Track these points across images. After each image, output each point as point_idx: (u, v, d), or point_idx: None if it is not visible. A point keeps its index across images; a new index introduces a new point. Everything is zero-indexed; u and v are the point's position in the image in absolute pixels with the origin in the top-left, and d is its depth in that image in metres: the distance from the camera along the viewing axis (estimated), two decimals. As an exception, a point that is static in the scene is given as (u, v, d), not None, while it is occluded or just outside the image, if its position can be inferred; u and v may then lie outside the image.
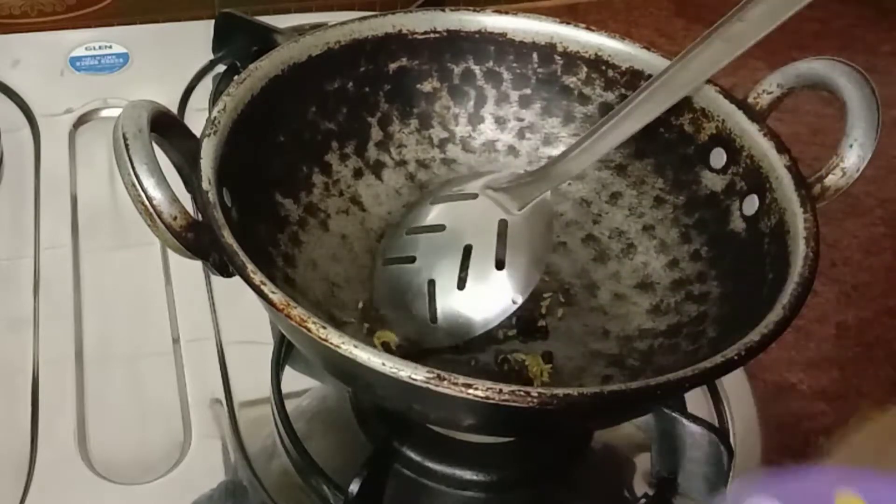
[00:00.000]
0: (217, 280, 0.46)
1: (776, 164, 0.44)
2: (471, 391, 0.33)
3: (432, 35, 0.51)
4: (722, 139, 0.47)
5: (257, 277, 0.36)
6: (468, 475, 0.45)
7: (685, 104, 0.48)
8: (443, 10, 0.52)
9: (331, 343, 0.34)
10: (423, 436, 0.45)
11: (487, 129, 0.54)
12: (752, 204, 0.46)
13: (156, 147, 0.39)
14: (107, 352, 0.52)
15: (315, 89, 0.49)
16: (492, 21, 0.52)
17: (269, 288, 0.36)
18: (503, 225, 0.47)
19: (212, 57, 0.71)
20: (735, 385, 0.52)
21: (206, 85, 0.70)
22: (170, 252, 0.40)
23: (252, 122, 0.45)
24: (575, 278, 0.51)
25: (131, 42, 0.72)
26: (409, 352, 0.46)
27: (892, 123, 0.48)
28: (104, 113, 0.67)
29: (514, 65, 0.52)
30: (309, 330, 0.35)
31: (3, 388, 0.50)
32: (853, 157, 0.43)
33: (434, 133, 0.53)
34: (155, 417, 0.49)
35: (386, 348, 0.46)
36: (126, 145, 0.37)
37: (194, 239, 0.38)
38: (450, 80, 0.53)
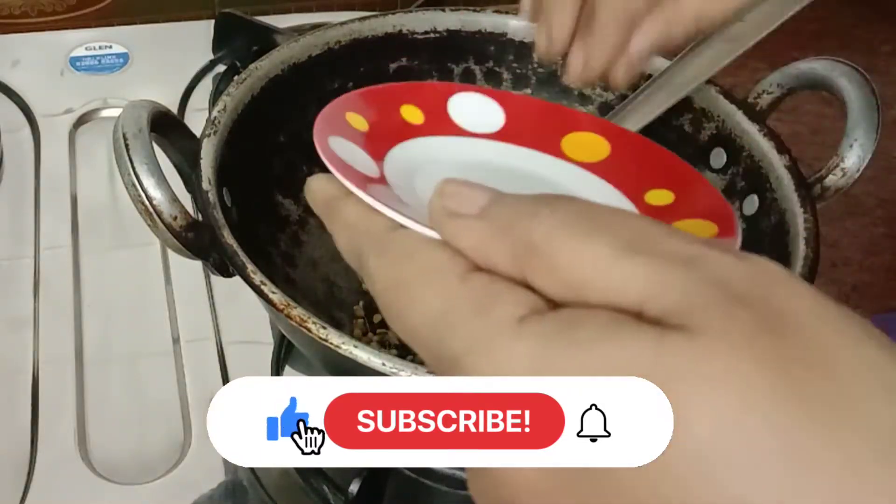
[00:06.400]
0: (217, 280, 0.46)
1: (776, 164, 0.44)
2: (471, 391, 0.33)
3: (432, 35, 0.51)
4: (722, 139, 0.47)
5: (257, 277, 0.36)
6: (468, 475, 0.45)
7: (685, 104, 0.48)
8: (443, 10, 0.51)
9: (331, 343, 0.34)
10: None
11: (487, 129, 0.54)
12: (752, 204, 0.45)
13: (156, 147, 0.39)
14: (107, 352, 0.52)
15: (315, 89, 0.49)
16: (492, 21, 0.52)
17: (269, 288, 0.36)
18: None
19: (212, 57, 0.71)
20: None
21: (206, 85, 0.70)
22: (170, 252, 0.40)
23: (252, 121, 0.45)
24: (575, 278, 0.51)
25: (131, 42, 0.72)
26: (409, 352, 0.46)
27: (892, 123, 0.48)
28: (104, 113, 0.67)
29: (514, 65, 0.52)
30: (309, 330, 0.35)
31: (3, 388, 0.50)
32: (853, 157, 0.43)
33: (434, 133, 0.53)
34: (155, 417, 0.49)
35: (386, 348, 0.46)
36: (126, 145, 0.37)
37: (194, 239, 0.38)
38: (450, 80, 0.53)
